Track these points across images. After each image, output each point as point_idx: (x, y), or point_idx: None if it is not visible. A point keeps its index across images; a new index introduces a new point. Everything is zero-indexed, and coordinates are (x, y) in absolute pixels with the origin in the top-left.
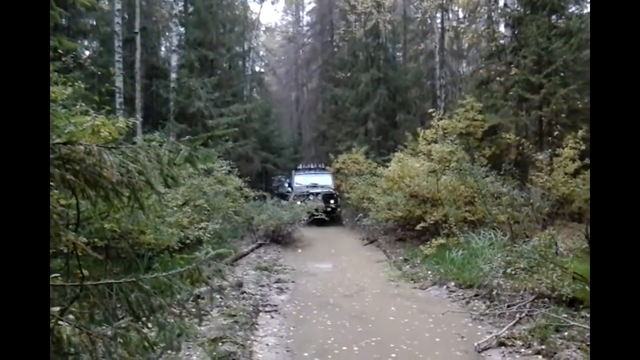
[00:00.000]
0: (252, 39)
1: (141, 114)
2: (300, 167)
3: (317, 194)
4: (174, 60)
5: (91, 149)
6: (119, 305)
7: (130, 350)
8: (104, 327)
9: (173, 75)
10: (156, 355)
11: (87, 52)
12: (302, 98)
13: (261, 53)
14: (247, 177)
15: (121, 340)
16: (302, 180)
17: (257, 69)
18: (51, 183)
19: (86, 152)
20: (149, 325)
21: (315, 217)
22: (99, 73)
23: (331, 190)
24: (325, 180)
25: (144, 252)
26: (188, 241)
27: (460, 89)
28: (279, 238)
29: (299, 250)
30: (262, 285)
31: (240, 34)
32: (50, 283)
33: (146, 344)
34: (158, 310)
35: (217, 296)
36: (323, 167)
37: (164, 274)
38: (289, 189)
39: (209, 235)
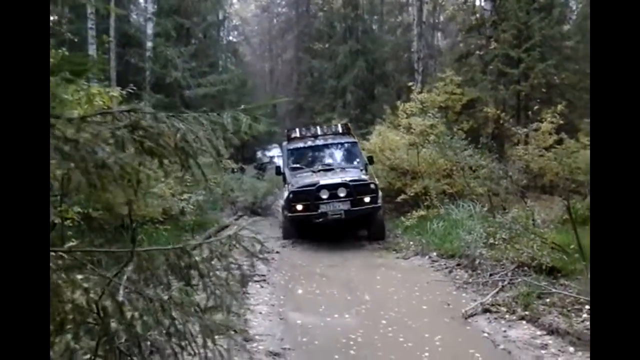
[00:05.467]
0: (227, 7)
1: (115, 84)
2: (296, 132)
3: (337, 187)
4: (150, 28)
5: (159, 116)
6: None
7: (185, 312)
8: (157, 291)
9: (149, 44)
10: (208, 318)
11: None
12: (276, 69)
13: (234, 22)
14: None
15: (176, 302)
16: (303, 159)
17: (231, 38)
18: (126, 149)
19: (153, 118)
20: (199, 291)
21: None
22: (75, 40)
23: (362, 177)
24: (348, 156)
25: (128, 223)
26: (172, 213)
27: (438, 62)
28: (259, 210)
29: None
30: (247, 256)
31: (216, 2)
32: (104, 249)
33: (197, 308)
34: (207, 276)
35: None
36: (341, 129)
37: (207, 241)
38: (284, 180)
39: (192, 207)
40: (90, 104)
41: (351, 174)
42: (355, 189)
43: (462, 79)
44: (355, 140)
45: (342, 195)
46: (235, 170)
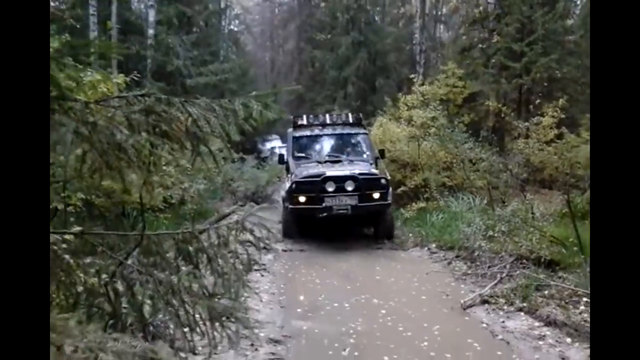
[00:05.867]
0: None
1: (117, 72)
2: (303, 119)
3: (345, 180)
4: (151, 16)
5: (173, 101)
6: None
7: (193, 295)
8: (166, 274)
9: (150, 32)
10: (216, 300)
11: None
12: (277, 59)
13: (236, 11)
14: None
15: (185, 284)
16: (308, 149)
17: (232, 28)
18: (141, 133)
19: (166, 103)
20: (207, 274)
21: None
22: (76, 27)
23: (371, 171)
24: (358, 149)
25: (129, 211)
26: (173, 201)
27: (440, 55)
28: (259, 199)
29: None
30: (248, 245)
31: None
32: (114, 232)
33: (205, 291)
34: (215, 260)
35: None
36: (351, 119)
37: (215, 225)
38: (287, 169)
39: (193, 196)
40: (94, 90)
41: (360, 167)
42: (364, 183)
43: (464, 72)
44: (367, 132)
45: (349, 189)
46: (236, 160)
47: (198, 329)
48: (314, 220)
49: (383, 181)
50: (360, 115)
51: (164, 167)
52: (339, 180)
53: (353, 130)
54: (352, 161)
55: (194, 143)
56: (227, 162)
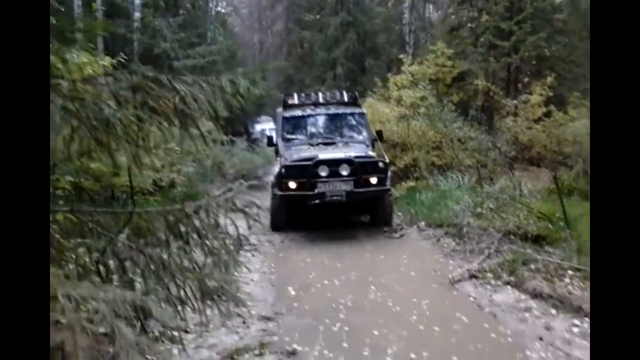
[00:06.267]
0: None
1: (103, 55)
2: (294, 98)
3: (339, 164)
4: None
5: (160, 78)
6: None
7: (183, 270)
8: (157, 250)
9: (136, 14)
10: (207, 276)
11: None
12: (266, 41)
13: None
14: (213, 121)
15: (176, 260)
16: (300, 130)
17: (219, 9)
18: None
19: (153, 81)
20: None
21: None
22: (61, 10)
23: (368, 153)
24: (354, 130)
25: (118, 194)
26: (162, 184)
27: (429, 35)
28: (249, 181)
29: None
30: (239, 226)
31: None
32: (105, 209)
33: (195, 266)
34: (205, 237)
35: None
36: (347, 98)
37: (205, 202)
38: (277, 152)
39: (182, 178)
40: (80, 72)
41: (356, 150)
42: (361, 167)
43: (453, 52)
44: (363, 111)
45: (344, 173)
46: (225, 142)
47: (189, 304)
48: (306, 208)
49: (381, 164)
50: (356, 93)
51: (153, 150)
52: (333, 164)
53: (348, 110)
54: (347, 143)
55: (182, 120)
56: (216, 145)
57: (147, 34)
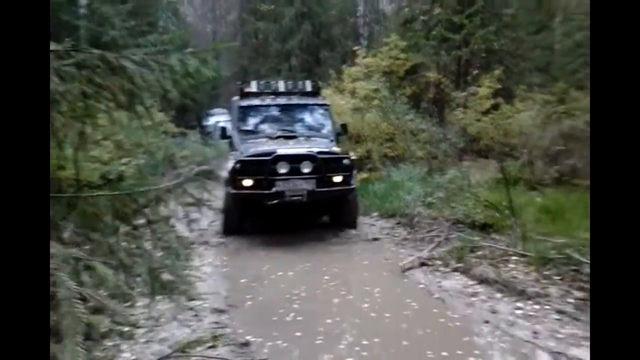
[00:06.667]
0: None
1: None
2: (251, 86)
3: (300, 160)
4: None
5: (107, 55)
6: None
7: (131, 255)
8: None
9: (83, 1)
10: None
11: None
12: (219, 31)
13: None
14: (165, 112)
15: (125, 244)
16: (257, 121)
17: None
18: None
19: (100, 59)
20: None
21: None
22: None
23: (332, 149)
24: (317, 123)
25: (65, 188)
26: (111, 177)
27: (383, 27)
28: (198, 182)
29: None
30: (191, 220)
31: None
32: (50, 195)
33: (143, 251)
34: (154, 222)
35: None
36: (308, 88)
37: (154, 187)
38: (231, 146)
39: (132, 171)
40: None
41: (319, 145)
42: (324, 165)
43: (406, 44)
44: (328, 103)
45: (306, 170)
46: (177, 134)
47: (139, 289)
48: (262, 209)
49: (346, 162)
50: (319, 83)
51: (100, 138)
52: (294, 160)
53: (311, 101)
54: (309, 137)
55: (130, 101)
56: (167, 137)
57: (94, 22)
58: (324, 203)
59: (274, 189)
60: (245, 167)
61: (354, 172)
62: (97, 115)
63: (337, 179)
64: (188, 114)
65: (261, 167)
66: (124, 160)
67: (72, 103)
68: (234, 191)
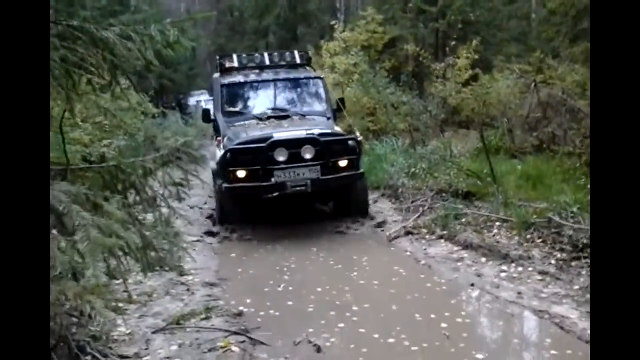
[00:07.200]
0: None
1: None
2: (233, 60)
3: (301, 145)
4: None
5: (86, 27)
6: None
7: (123, 222)
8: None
9: None
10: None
11: None
12: (193, 9)
13: None
14: (144, 93)
15: (115, 214)
16: (243, 101)
17: None
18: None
19: (80, 31)
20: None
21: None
22: None
23: (335, 130)
24: (310, 99)
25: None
26: (92, 159)
27: (360, 1)
28: (185, 155)
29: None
30: (178, 200)
31: None
32: None
33: (135, 220)
34: (143, 191)
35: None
36: (298, 59)
37: (141, 159)
38: (217, 131)
39: (113, 153)
40: None
41: (319, 126)
42: (328, 148)
43: (383, 18)
44: (321, 75)
45: (308, 157)
46: (157, 115)
47: (132, 255)
48: (260, 203)
49: (352, 143)
50: (310, 53)
51: (81, 123)
52: (293, 146)
53: (302, 74)
54: (304, 117)
55: (112, 72)
56: (147, 118)
57: (64, 2)
58: (329, 193)
59: (273, 181)
60: (237, 157)
61: (362, 155)
62: (81, 87)
63: (343, 163)
64: (167, 95)
65: (256, 156)
66: (105, 142)
67: (54, 70)
68: (227, 185)
